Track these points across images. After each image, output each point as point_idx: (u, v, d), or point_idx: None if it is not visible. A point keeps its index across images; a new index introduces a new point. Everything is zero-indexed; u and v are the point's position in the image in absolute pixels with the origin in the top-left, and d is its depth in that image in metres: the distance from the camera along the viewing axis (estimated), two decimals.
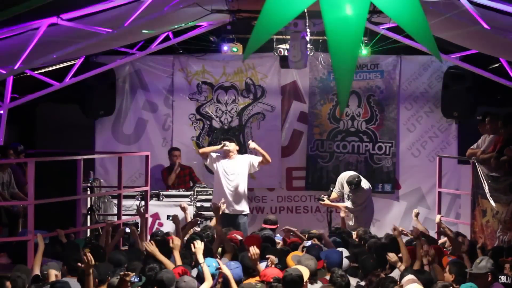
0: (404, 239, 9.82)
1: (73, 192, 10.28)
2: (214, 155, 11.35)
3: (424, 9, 4.74)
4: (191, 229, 9.67)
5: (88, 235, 11.36)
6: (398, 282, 7.29)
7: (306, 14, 9.75)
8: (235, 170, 11.27)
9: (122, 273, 6.93)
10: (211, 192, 12.06)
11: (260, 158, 11.32)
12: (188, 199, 12.08)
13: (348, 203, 11.61)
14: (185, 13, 10.26)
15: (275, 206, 13.63)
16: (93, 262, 6.97)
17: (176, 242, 8.04)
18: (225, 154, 11.33)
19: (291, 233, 10.05)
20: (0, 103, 11.84)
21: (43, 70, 11.95)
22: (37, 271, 7.76)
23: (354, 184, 11.45)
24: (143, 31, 10.13)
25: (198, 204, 12.07)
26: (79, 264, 7.10)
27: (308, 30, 10.43)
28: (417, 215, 10.85)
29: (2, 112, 11.81)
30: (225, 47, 12.31)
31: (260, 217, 13.02)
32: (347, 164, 13.47)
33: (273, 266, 7.75)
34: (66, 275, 7.60)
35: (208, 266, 7.35)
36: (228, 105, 13.60)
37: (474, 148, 11.11)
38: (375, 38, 12.01)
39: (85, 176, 11.44)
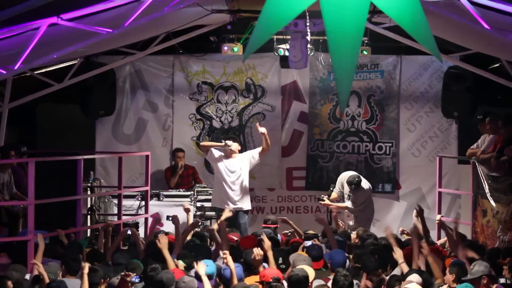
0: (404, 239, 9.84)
1: (73, 192, 10.28)
2: (216, 154, 11.34)
3: (424, 9, 4.75)
4: (192, 231, 9.66)
5: (88, 235, 11.36)
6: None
7: (307, 14, 9.74)
8: (236, 168, 11.30)
9: (122, 273, 6.94)
10: (211, 192, 12.06)
11: (259, 149, 11.34)
12: (188, 199, 12.08)
13: (348, 203, 11.62)
14: (185, 13, 10.25)
15: (275, 206, 13.63)
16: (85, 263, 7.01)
17: (163, 240, 8.03)
18: (227, 154, 11.35)
19: (289, 233, 10.05)
20: (0, 103, 11.84)
21: (43, 70, 11.95)
22: (37, 271, 7.75)
23: (354, 184, 11.45)
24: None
25: (198, 204, 12.07)
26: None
27: (308, 30, 10.43)
28: (417, 215, 10.82)
29: (2, 112, 11.80)
30: (225, 47, 12.31)
31: (260, 217, 13.03)
32: (347, 164, 13.47)
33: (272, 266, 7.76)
34: (65, 275, 7.61)
35: (206, 265, 7.36)
36: (228, 105, 13.60)
37: (474, 148, 11.11)
38: (375, 38, 12.02)
39: (85, 176, 11.44)
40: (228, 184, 11.26)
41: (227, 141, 11.31)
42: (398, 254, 7.95)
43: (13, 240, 9.73)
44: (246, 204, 11.39)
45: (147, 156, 12.02)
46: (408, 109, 13.59)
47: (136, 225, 11.65)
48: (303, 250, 8.61)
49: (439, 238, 10.78)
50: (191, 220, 10.16)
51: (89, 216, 11.78)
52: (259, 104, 13.58)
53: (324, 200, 11.75)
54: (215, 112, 13.58)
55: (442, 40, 10.49)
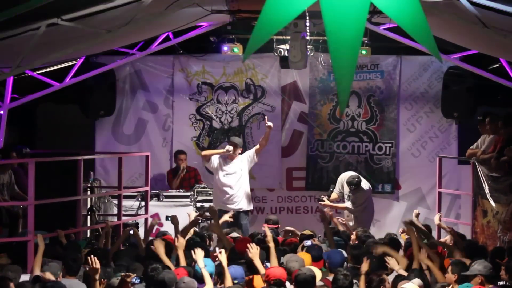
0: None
1: (73, 193, 10.28)
2: (215, 161, 11.42)
3: (424, 9, 4.75)
4: (192, 229, 9.65)
5: (88, 235, 11.36)
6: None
7: (307, 14, 9.74)
8: (236, 169, 11.34)
9: (123, 274, 6.93)
10: (211, 192, 12.08)
11: (256, 147, 11.47)
12: (188, 200, 12.09)
13: (348, 204, 11.61)
14: (185, 14, 10.25)
15: (275, 207, 13.63)
16: (98, 266, 6.97)
17: (181, 241, 8.03)
18: (229, 157, 11.39)
19: (290, 234, 10.05)
20: (0, 103, 11.84)
21: (43, 71, 11.95)
22: (37, 272, 7.75)
23: (354, 185, 11.45)
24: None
25: (198, 204, 12.07)
26: (86, 268, 7.10)
27: (308, 30, 10.43)
28: (417, 215, 10.83)
29: (2, 112, 11.80)
30: (225, 48, 12.31)
31: (260, 217, 13.04)
32: (347, 165, 13.47)
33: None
34: (65, 276, 7.60)
35: (205, 266, 7.36)
36: (228, 106, 13.60)
37: (474, 149, 11.12)
38: (375, 38, 12.02)
39: (85, 177, 11.44)
40: (228, 186, 11.32)
41: (227, 147, 11.34)
42: (392, 262, 7.94)
43: (13, 240, 9.72)
44: (246, 204, 11.44)
45: (147, 157, 12.02)
46: (408, 110, 13.59)
47: (136, 226, 11.64)
48: (302, 250, 8.61)
49: (439, 238, 10.78)
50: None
51: (89, 217, 11.78)
52: (259, 105, 13.58)
53: (324, 201, 11.74)
54: (215, 112, 13.58)
55: (442, 40, 10.49)
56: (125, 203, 11.78)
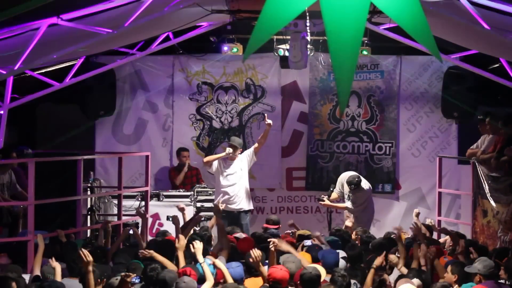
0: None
1: (73, 193, 10.28)
2: (215, 166, 11.40)
3: (424, 9, 4.74)
4: (193, 228, 9.65)
5: (88, 235, 11.35)
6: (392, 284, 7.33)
7: (307, 14, 9.74)
8: (237, 170, 11.36)
9: (123, 273, 6.93)
10: (211, 192, 12.08)
11: (254, 146, 11.49)
12: (188, 200, 12.09)
13: (348, 203, 11.61)
14: (185, 14, 10.25)
15: (275, 207, 13.63)
16: (90, 259, 6.97)
17: (182, 242, 8.02)
18: (229, 158, 11.41)
19: (290, 233, 10.04)
20: (0, 103, 11.84)
21: (43, 71, 11.95)
22: (37, 272, 7.76)
23: (354, 184, 11.44)
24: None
25: (198, 204, 12.08)
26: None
27: (308, 30, 10.43)
28: (417, 215, 10.83)
29: (2, 112, 11.80)
30: (225, 48, 12.31)
31: (260, 217, 13.04)
32: (347, 164, 13.47)
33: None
34: (67, 276, 7.60)
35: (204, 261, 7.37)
36: (228, 105, 13.60)
37: (474, 148, 11.11)
38: (375, 38, 12.02)
39: (85, 177, 11.44)
40: (229, 187, 11.33)
41: (227, 150, 11.35)
42: (394, 261, 7.94)
43: (13, 240, 9.72)
44: (247, 204, 11.46)
45: (147, 157, 12.02)
46: (408, 109, 13.59)
47: (136, 226, 11.64)
48: (302, 250, 8.60)
49: (439, 237, 10.77)
50: (187, 219, 10.15)
51: (89, 217, 11.78)
52: (259, 105, 13.58)
53: (324, 201, 11.74)
54: (215, 112, 13.58)
55: (442, 40, 10.49)
56: (125, 203, 11.78)
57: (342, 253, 8.41)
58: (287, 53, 11.35)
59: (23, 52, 9.19)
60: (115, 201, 11.85)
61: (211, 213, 11.56)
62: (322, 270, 7.31)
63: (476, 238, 10.75)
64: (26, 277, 7.81)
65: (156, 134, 13.53)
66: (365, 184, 11.63)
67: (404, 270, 7.85)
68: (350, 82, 4.74)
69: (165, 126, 13.56)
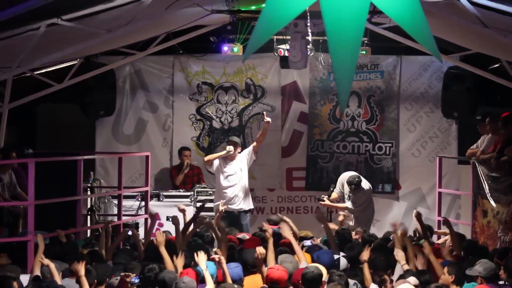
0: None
1: (73, 193, 10.27)
2: (216, 164, 11.39)
3: (424, 10, 4.75)
4: (197, 228, 9.63)
5: (88, 235, 11.35)
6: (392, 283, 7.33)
7: (308, 14, 9.73)
8: (236, 169, 11.35)
9: (122, 273, 6.93)
10: (211, 192, 12.09)
11: (253, 145, 11.48)
12: (188, 200, 12.09)
13: (349, 204, 11.61)
14: (185, 14, 10.25)
15: (275, 207, 13.62)
16: (80, 267, 7.01)
17: (160, 239, 8.00)
18: (229, 157, 11.40)
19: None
20: (0, 103, 11.83)
21: (43, 71, 11.95)
22: (37, 272, 7.74)
23: (354, 185, 11.44)
24: None
25: (198, 204, 12.07)
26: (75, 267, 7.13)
27: (309, 30, 10.42)
28: (417, 215, 10.81)
29: (2, 112, 11.79)
30: (225, 48, 12.31)
31: (260, 218, 13.04)
32: (347, 165, 13.47)
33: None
34: (68, 275, 7.60)
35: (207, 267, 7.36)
36: (228, 106, 13.60)
37: (474, 148, 11.11)
38: (375, 38, 12.01)
39: (85, 177, 11.44)
40: (229, 187, 11.33)
41: (227, 148, 11.34)
42: (400, 256, 7.93)
43: (13, 240, 9.72)
44: (247, 204, 11.47)
45: (147, 157, 12.02)
46: (408, 110, 13.59)
47: (136, 226, 11.65)
48: (302, 250, 8.59)
49: (438, 237, 10.77)
50: (187, 220, 10.12)
51: (89, 217, 11.78)
52: (259, 105, 13.58)
53: (324, 201, 11.73)
54: (215, 112, 13.58)
55: (442, 40, 10.49)
56: (125, 203, 11.78)
57: (332, 254, 8.38)
58: (287, 53, 11.33)
59: (23, 53, 9.19)
60: (115, 201, 11.85)
61: (211, 213, 11.60)
62: (323, 270, 7.31)
63: (476, 238, 10.74)
64: (26, 277, 7.81)
65: (156, 134, 13.53)
66: (365, 184, 11.63)
67: (407, 267, 7.83)
68: (350, 82, 4.74)
69: (165, 126, 13.56)
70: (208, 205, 11.97)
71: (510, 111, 10.76)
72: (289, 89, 13.66)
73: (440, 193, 12.29)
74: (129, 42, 11.77)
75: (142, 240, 9.66)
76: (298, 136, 13.72)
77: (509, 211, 10.29)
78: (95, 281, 7.27)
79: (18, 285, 6.93)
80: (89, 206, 11.86)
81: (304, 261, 7.93)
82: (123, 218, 11.43)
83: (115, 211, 11.85)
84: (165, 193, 12.31)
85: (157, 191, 12.34)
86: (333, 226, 10.26)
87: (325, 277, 7.27)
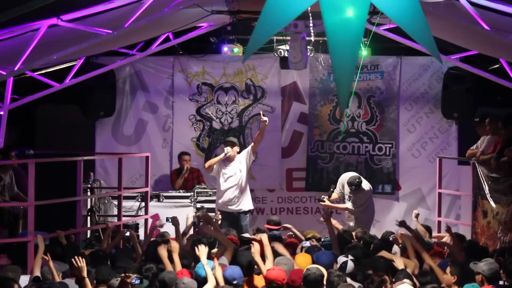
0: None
1: (73, 193, 10.27)
2: (215, 168, 11.38)
3: (424, 10, 4.75)
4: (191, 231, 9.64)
5: (88, 236, 11.35)
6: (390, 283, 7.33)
7: (310, 14, 9.73)
8: (236, 170, 11.34)
9: (123, 274, 6.92)
10: (211, 193, 12.09)
11: (251, 145, 11.45)
12: (188, 200, 12.09)
13: (349, 204, 11.60)
14: (185, 14, 10.26)
15: (275, 207, 13.63)
16: (82, 264, 6.98)
17: (174, 245, 8.01)
18: (228, 159, 11.39)
19: (293, 235, 10.03)
20: (0, 104, 11.83)
21: (43, 71, 11.95)
22: (37, 273, 7.75)
23: (354, 185, 11.43)
24: None
25: (198, 205, 12.07)
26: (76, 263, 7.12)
27: (312, 31, 10.41)
28: (417, 216, 10.83)
29: (2, 113, 11.80)
30: (225, 48, 12.31)
31: (260, 218, 13.05)
32: (347, 165, 13.47)
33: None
34: (69, 276, 7.61)
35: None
36: (228, 106, 13.60)
37: (474, 149, 11.11)
38: (375, 39, 12.00)
39: (85, 177, 11.43)
40: (229, 189, 11.31)
41: (225, 150, 11.32)
42: (398, 262, 7.93)
43: (13, 241, 9.72)
44: (246, 205, 11.45)
45: (147, 157, 12.02)
46: (408, 110, 13.59)
47: (136, 226, 11.64)
48: (301, 251, 8.60)
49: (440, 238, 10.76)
50: (189, 224, 10.10)
51: (89, 217, 11.77)
52: (259, 105, 13.58)
53: (324, 201, 11.72)
54: (215, 113, 13.57)
55: (442, 41, 10.48)
56: (125, 203, 11.77)
57: (332, 254, 8.37)
58: (287, 54, 11.34)
59: (23, 53, 9.19)
60: (115, 202, 11.85)
61: (211, 214, 11.60)
62: (324, 271, 7.31)
63: (476, 239, 10.74)
64: (26, 278, 7.81)
65: (156, 134, 13.53)
66: (365, 185, 11.62)
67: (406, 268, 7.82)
68: (350, 83, 4.74)
69: (165, 127, 13.56)
70: (207, 205, 11.98)
71: (510, 112, 10.77)
72: (289, 90, 13.66)
73: (440, 194, 12.29)
74: (129, 42, 11.77)
75: (141, 241, 9.68)
76: (298, 137, 13.72)
77: (509, 211, 10.28)
78: (94, 281, 7.26)
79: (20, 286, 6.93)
80: (89, 206, 11.85)
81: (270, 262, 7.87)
82: (123, 218, 11.43)
83: (115, 211, 11.85)
84: (165, 194, 12.31)
85: (157, 192, 12.34)
86: (337, 225, 10.29)
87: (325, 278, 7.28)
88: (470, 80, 12.83)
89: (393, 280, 7.68)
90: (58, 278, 7.41)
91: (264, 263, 7.76)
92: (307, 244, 8.74)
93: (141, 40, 12.08)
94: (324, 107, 13.62)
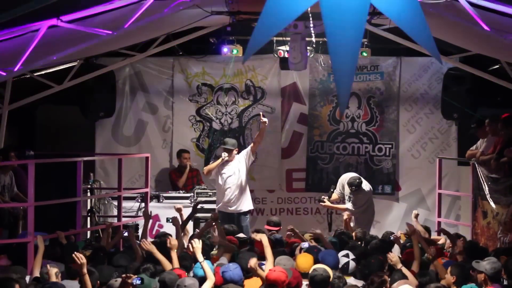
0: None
1: (73, 194, 10.27)
2: (214, 172, 11.37)
3: (423, 11, 4.75)
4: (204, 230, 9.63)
5: (88, 237, 11.35)
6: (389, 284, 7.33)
7: (310, 15, 9.73)
8: (235, 170, 11.33)
9: (124, 275, 6.92)
10: (211, 193, 12.09)
11: (250, 146, 11.43)
12: (188, 201, 12.09)
13: (349, 205, 11.60)
14: (185, 15, 10.25)
15: (275, 208, 13.64)
16: (83, 261, 6.96)
17: (173, 242, 8.03)
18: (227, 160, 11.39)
19: (292, 234, 10.03)
20: (0, 105, 11.84)
21: (43, 72, 11.95)
22: (37, 273, 7.75)
23: (355, 186, 11.44)
24: None
25: (198, 206, 12.05)
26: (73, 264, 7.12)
27: (312, 31, 10.42)
28: (416, 216, 10.84)
29: (2, 114, 11.80)
30: (225, 49, 12.32)
31: (260, 219, 13.06)
32: (347, 166, 13.48)
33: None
34: (65, 277, 7.60)
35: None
36: (228, 107, 13.60)
37: (474, 150, 11.11)
38: (375, 40, 12.01)
39: (85, 178, 11.44)
40: (228, 189, 11.30)
41: (223, 155, 11.30)
42: (394, 260, 7.93)
43: (13, 242, 9.72)
44: (246, 205, 11.43)
45: (147, 158, 12.02)
46: (408, 111, 13.59)
47: (136, 227, 11.64)
48: (300, 252, 8.60)
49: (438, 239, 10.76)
50: (184, 219, 10.11)
51: (89, 218, 11.78)
52: (259, 106, 13.58)
53: (324, 202, 11.73)
54: (215, 113, 13.58)
55: (441, 41, 10.49)
56: (125, 204, 11.78)
57: (351, 255, 8.37)
58: (287, 55, 11.34)
59: (23, 54, 9.18)
60: (115, 203, 11.85)
61: (209, 214, 11.62)
62: (330, 271, 7.32)
63: (477, 239, 10.74)
64: (26, 278, 7.81)
65: (156, 135, 13.53)
66: (366, 185, 11.63)
67: (404, 270, 7.82)
68: (350, 83, 4.74)
69: (165, 128, 13.56)
70: (207, 206, 11.98)
71: (510, 112, 10.77)
72: (289, 91, 13.67)
73: (440, 194, 12.30)
74: (129, 43, 11.77)
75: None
76: (298, 137, 13.72)
77: (509, 212, 10.28)
78: (98, 282, 7.25)
79: (20, 286, 6.91)
80: (89, 207, 11.86)
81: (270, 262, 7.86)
82: (123, 219, 11.43)
83: (115, 212, 11.85)
84: (165, 195, 12.32)
85: (157, 193, 12.35)
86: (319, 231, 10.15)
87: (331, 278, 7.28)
88: (469, 81, 12.84)
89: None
90: (56, 279, 7.41)
91: (265, 264, 7.77)
92: (305, 245, 8.74)
93: (141, 41, 12.09)
94: (324, 108, 13.63)
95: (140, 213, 12.01)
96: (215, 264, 7.88)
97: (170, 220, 9.76)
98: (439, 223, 12.19)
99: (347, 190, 11.59)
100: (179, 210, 10.19)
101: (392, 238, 9.28)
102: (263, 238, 8.12)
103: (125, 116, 13.47)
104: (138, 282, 6.80)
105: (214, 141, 13.52)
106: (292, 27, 10.49)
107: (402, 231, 10.50)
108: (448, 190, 12.76)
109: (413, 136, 13.60)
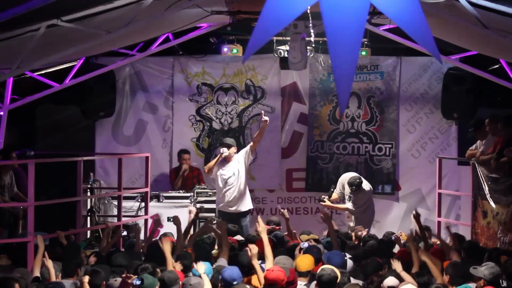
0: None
1: (73, 194, 10.28)
2: (214, 171, 11.36)
3: (423, 10, 4.75)
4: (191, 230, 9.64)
5: (88, 236, 11.35)
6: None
7: (309, 15, 9.73)
8: (234, 170, 11.32)
9: (124, 275, 6.92)
10: (211, 193, 12.08)
11: (250, 145, 11.41)
12: (188, 200, 12.09)
13: (349, 205, 11.61)
14: (185, 15, 10.26)
15: (275, 208, 13.62)
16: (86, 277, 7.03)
17: (166, 243, 8.01)
18: (226, 159, 11.37)
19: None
20: (0, 104, 11.84)
21: (43, 72, 11.95)
22: (37, 273, 7.76)
23: (355, 186, 11.44)
24: None
25: (198, 205, 12.07)
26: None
27: (312, 31, 10.42)
28: (417, 216, 10.82)
29: (2, 113, 11.80)
30: (225, 49, 12.31)
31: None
32: (347, 166, 13.47)
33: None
34: (64, 277, 7.61)
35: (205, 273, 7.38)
36: (228, 107, 13.60)
37: (473, 149, 11.12)
38: (375, 39, 12.02)
39: (85, 178, 11.44)
40: (227, 189, 11.30)
41: (222, 150, 11.29)
42: (396, 264, 7.92)
43: (13, 241, 9.72)
44: (246, 205, 11.42)
45: (146, 158, 12.02)
46: (408, 110, 13.59)
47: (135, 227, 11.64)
48: (300, 252, 8.60)
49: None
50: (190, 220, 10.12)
51: (89, 218, 11.78)
52: (259, 106, 13.58)
53: (324, 201, 11.74)
54: (215, 113, 13.58)
55: (441, 41, 10.49)
56: (125, 204, 11.78)
57: (343, 254, 8.40)
58: (287, 54, 11.34)
59: (23, 54, 9.19)
60: (115, 202, 11.85)
61: (211, 214, 11.61)
62: (338, 272, 7.32)
63: (477, 239, 10.75)
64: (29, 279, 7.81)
65: (156, 135, 13.53)
66: (366, 185, 11.63)
67: (404, 274, 7.80)
68: (350, 83, 4.74)
69: (165, 127, 13.56)
70: (207, 205, 11.98)
71: (510, 112, 10.79)
72: (289, 90, 13.67)
73: (440, 194, 12.30)
74: (129, 43, 11.77)
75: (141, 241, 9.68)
76: (298, 137, 13.72)
77: (509, 212, 10.29)
78: (104, 282, 7.25)
79: (20, 285, 6.91)
80: (89, 207, 11.85)
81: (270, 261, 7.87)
82: (123, 219, 11.43)
83: (115, 212, 11.85)
84: (165, 194, 12.31)
85: (157, 192, 12.34)
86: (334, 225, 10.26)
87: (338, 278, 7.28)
88: (470, 81, 12.84)
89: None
90: (56, 278, 7.41)
91: (265, 263, 7.77)
92: (305, 245, 8.74)
93: (141, 41, 12.08)
94: (324, 108, 13.62)
95: (140, 213, 12.02)
96: (214, 265, 7.88)
97: (171, 219, 9.75)
98: (439, 223, 12.19)
99: (347, 189, 11.60)
100: (190, 213, 10.14)
101: (393, 238, 9.28)
102: (264, 237, 8.10)
103: (125, 116, 13.47)
104: (138, 282, 6.80)
105: (214, 141, 13.51)
106: (292, 26, 10.48)
107: (403, 231, 10.53)
108: (448, 190, 12.76)
109: (413, 135, 13.60)
